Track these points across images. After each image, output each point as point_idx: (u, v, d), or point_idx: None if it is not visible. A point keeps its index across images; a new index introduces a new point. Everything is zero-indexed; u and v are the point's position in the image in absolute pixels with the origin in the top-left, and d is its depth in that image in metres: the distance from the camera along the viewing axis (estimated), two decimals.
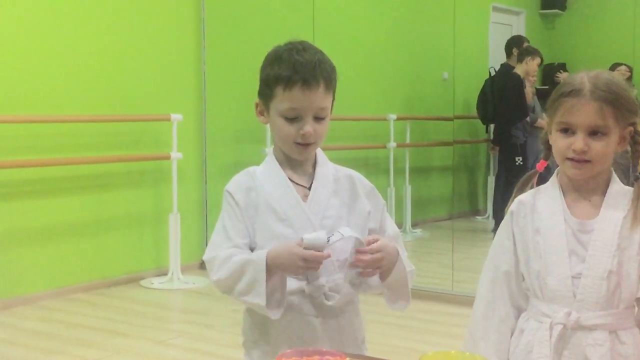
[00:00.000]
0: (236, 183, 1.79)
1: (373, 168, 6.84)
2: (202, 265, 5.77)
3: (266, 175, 1.78)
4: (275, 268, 1.65)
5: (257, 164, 1.85)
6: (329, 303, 1.73)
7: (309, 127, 1.71)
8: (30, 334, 4.10)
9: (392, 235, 1.82)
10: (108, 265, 5.19)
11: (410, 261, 1.80)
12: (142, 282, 5.24)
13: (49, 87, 4.80)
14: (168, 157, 5.27)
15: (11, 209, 4.63)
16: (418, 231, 7.05)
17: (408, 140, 6.99)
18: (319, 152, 1.82)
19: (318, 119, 1.73)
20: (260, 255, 1.66)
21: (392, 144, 6.74)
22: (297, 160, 1.78)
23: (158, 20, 5.44)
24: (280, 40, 1.82)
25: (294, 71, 1.69)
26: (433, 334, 4.17)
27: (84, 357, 3.69)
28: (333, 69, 1.76)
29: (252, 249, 1.75)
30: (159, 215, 5.44)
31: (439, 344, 3.95)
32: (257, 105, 1.80)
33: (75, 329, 4.17)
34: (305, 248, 1.62)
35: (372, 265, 1.69)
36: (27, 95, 4.68)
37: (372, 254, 1.67)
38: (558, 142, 1.70)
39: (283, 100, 1.71)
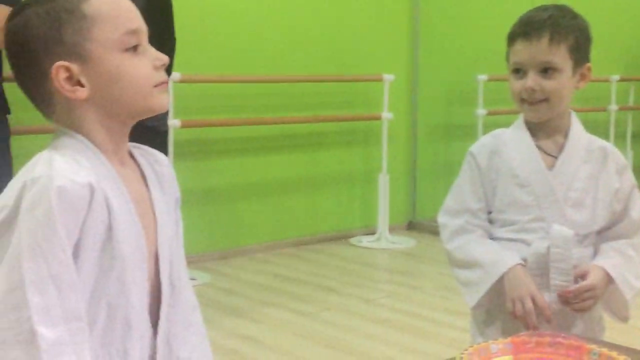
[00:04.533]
0: (481, 145, 1.79)
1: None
2: (409, 226, 5.78)
3: (513, 140, 1.75)
4: (502, 285, 1.66)
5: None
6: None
7: (529, 81, 1.67)
8: (247, 284, 4.30)
9: (637, 219, 1.71)
10: (318, 222, 5.33)
11: None
12: (351, 240, 5.33)
13: (266, 48, 4.95)
14: (379, 117, 5.29)
15: (230, 165, 4.85)
16: None
17: (631, 103, 6.55)
18: (574, 119, 1.74)
19: (545, 74, 1.67)
20: (500, 267, 1.66)
21: (614, 107, 6.35)
22: (547, 126, 1.72)
23: None
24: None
25: (517, 26, 1.69)
26: None
27: (297, 310, 3.82)
28: (572, 26, 1.68)
29: (489, 213, 1.74)
30: (369, 175, 5.50)
31: None
32: None
33: (288, 283, 4.32)
34: (553, 243, 1.63)
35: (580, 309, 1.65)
36: (246, 55, 4.85)
37: (581, 297, 1.63)
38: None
39: (509, 56, 1.71)
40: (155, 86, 1.20)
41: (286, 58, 5.04)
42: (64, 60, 1.15)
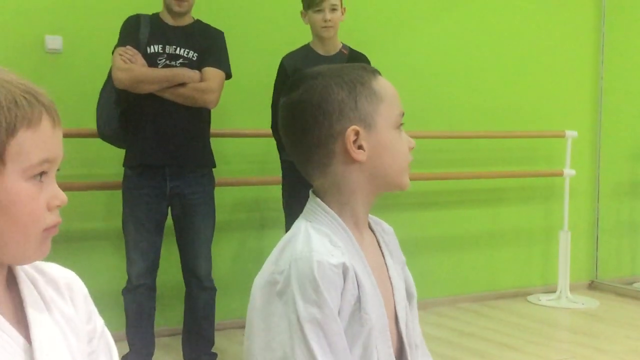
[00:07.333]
0: None
1: None
2: (591, 286, 5.61)
3: None
4: None
5: None
6: None
7: None
8: (426, 337, 4.29)
9: None
10: (496, 278, 5.30)
11: None
12: (529, 298, 5.25)
13: (449, 103, 5.04)
14: (560, 174, 5.23)
15: (413, 218, 4.94)
16: None
17: None
18: None
19: None
20: None
21: None
22: None
23: (556, 35, 5.41)
24: None
25: None
26: None
27: None
28: None
29: None
30: (549, 232, 5.42)
31: None
32: None
33: (467, 338, 4.33)
34: None
35: None
36: (427, 111, 4.94)
37: None
38: None
39: None
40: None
41: (469, 113, 5.10)
42: (355, 124, 1.30)
